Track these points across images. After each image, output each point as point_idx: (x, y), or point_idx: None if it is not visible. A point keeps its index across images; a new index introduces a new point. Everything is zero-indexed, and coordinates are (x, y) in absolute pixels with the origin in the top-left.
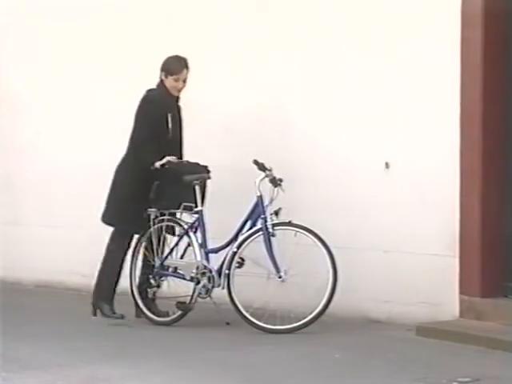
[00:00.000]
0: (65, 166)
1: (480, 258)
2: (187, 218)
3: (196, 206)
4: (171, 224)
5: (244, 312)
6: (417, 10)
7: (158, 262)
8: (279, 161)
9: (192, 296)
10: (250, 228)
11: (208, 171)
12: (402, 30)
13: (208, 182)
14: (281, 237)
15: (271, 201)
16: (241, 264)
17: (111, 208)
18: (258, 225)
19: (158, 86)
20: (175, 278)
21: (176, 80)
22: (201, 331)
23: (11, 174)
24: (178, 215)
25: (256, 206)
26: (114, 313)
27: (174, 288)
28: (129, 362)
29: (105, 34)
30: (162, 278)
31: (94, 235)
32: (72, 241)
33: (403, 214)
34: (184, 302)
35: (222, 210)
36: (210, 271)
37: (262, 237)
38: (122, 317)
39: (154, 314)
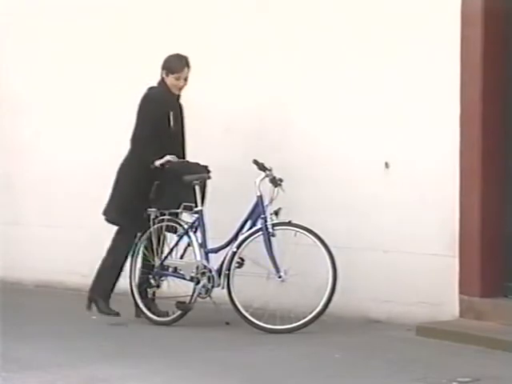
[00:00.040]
0: (65, 166)
1: (480, 258)
2: (187, 217)
3: (196, 206)
4: (171, 224)
5: (244, 312)
6: (417, 10)
7: (157, 262)
8: (279, 161)
9: (192, 296)
10: (250, 228)
11: (208, 171)
12: (402, 29)
13: (208, 181)
14: (281, 237)
15: (271, 201)
16: (241, 264)
17: (115, 206)
18: (258, 225)
19: (159, 84)
20: (175, 278)
21: (177, 78)
22: (201, 331)
23: (11, 173)
24: (180, 215)
25: (256, 205)
26: (110, 309)
27: (173, 288)
28: (129, 362)
29: (105, 34)
30: (162, 278)
31: (94, 235)
32: (72, 241)
33: (403, 214)
34: (184, 302)
35: (221, 209)
36: (210, 271)
37: (261, 237)
38: (118, 314)
39: (153, 313)
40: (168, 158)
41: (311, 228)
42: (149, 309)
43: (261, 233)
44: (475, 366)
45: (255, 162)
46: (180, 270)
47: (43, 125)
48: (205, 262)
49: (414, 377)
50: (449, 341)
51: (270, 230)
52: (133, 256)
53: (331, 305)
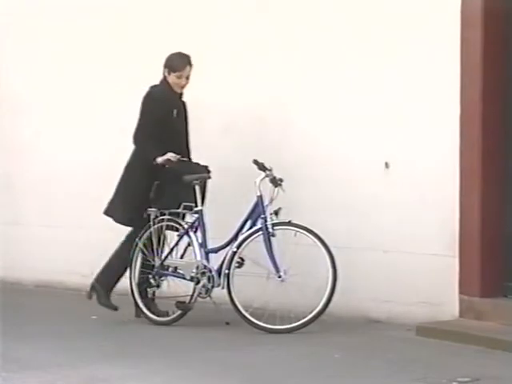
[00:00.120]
0: (65, 166)
1: (480, 258)
2: (187, 217)
3: (196, 206)
4: (171, 224)
5: (244, 312)
6: (417, 10)
7: (157, 262)
8: (279, 161)
9: (192, 296)
10: (250, 228)
11: (208, 171)
12: (402, 30)
13: (208, 181)
14: (281, 237)
15: (271, 201)
16: (241, 264)
17: (121, 206)
18: (258, 224)
19: (161, 82)
20: (175, 278)
21: (179, 77)
22: (201, 331)
23: (11, 173)
24: (181, 215)
25: (256, 205)
26: (110, 303)
27: (173, 288)
28: (129, 362)
29: (105, 34)
30: (162, 278)
31: (93, 235)
32: (72, 241)
33: (403, 214)
34: (184, 302)
35: (222, 209)
36: (210, 271)
37: (261, 236)
38: (116, 309)
39: (153, 313)
40: (170, 154)
41: (311, 228)
42: (149, 309)
43: (261, 233)
44: (475, 365)
45: (255, 161)
46: (180, 269)
47: (43, 125)
48: (205, 262)
49: (414, 377)
50: (449, 341)
51: (270, 230)
52: (133, 256)
53: (331, 305)
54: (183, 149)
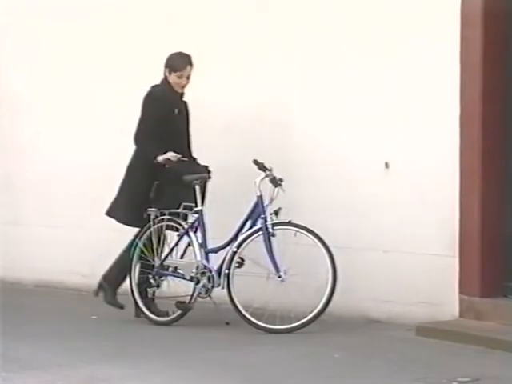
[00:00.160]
0: (65, 166)
1: (480, 258)
2: (190, 218)
3: (196, 206)
4: (171, 224)
5: (244, 312)
6: (417, 10)
7: (157, 262)
8: (279, 161)
9: (192, 296)
10: (250, 228)
11: (208, 171)
12: (402, 29)
13: (208, 181)
14: (281, 237)
15: (271, 201)
16: (240, 264)
17: (124, 206)
18: (258, 224)
19: (162, 82)
20: (175, 278)
21: (179, 77)
22: (200, 331)
23: (11, 173)
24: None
25: (256, 205)
26: (116, 301)
27: (173, 288)
28: (129, 362)
29: (105, 34)
30: (162, 278)
31: (93, 235)
32: (72, 241)
33: (403, 214)
34: (184, 302)
35: (221, 209)
36: (210, 271)
37: (261, 236)
38: (122, 307)
39: (153, 313)
40: (170, 154)
41: (311, 228)
42: (149, 309)
43: (261, 233)
44: (475, 365)
45: (255, 161)
46: (180, 269)
47: (43, 125)
48: (205, 262)
49: (414, 377)
50: (449, 341)
51: (270, 230)
52: (132, 256)
53: (331, 305)
54: (184, 149)
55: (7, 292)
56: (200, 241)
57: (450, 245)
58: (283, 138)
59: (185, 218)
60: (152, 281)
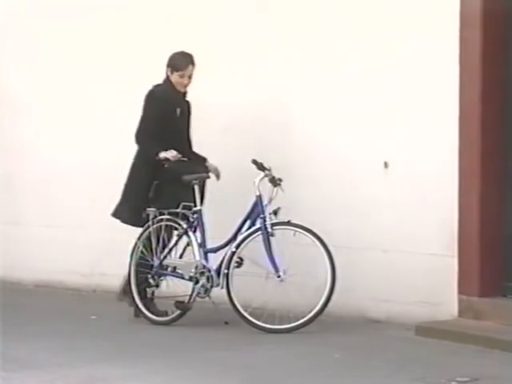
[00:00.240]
0: (65, 166)
1: (479, 258)
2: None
3: (195, 206)
4: (170, 224)
5: (243, 311)
6: (416, 10)
7: (156, 262)
8: (279, 160)
9: (191, 295)
10: (249, 227)
11: (207, 171)
12: (401, 29)
13: (207, 181)
14: (280, 236)
15: (270, 200)
16: (240, 264)
17: (127, 206)
18: (257, 224)
19: (164, 81)
20: (174, 278)
21: (181, 76)
22: (200, 331)
23: (11, 173)
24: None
25: (255, 205)
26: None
27: (172, 287)
28: (128, 362)
29: (105, 34)
30: (161, 278)
31: (93, 235)
32: (72, 241)
33: (403, 214)
34: (183, 302)
35: (221, 209)
36: (209, 271)
37: (260, 236)
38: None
39: (152, 313)
40: (172, 152)
41: (310, 228)
42: (148, 308)
43: (260, 232)
44: (474, 365)
45: (254, 161)
46: (179, 269)
47: (43, 125)
48: (204, 262)
49: (413, 376)
50: (448, 340)
51: (269, 230)
52: (132, 256)
53: (330, 304)
54: (185, 148)
55: (7, 292)
56: (199, 240)
57: (449, 245)
58: (283, 138)
59: (185, 218)
60: (151, 281)
